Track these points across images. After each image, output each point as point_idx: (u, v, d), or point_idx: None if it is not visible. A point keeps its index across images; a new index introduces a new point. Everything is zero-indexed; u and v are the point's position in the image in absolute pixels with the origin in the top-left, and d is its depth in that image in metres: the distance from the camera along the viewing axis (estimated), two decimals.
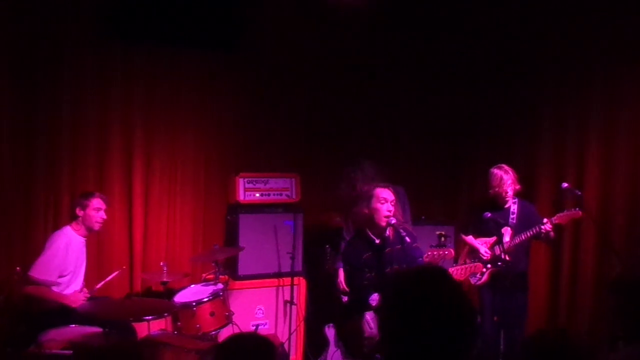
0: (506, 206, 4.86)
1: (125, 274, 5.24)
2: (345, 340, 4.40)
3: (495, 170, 4.85)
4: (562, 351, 2.16)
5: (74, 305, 4.26)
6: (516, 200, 4.87)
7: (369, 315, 4.15)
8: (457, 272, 4.37)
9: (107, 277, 4.72)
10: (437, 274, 1.77)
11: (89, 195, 4.60)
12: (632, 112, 4.91)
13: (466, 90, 6.22)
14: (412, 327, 1.66)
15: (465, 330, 1.68)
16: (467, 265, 4.43)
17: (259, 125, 5.87)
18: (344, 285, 4.79)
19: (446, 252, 4.40)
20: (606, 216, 5.01)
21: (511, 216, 4.83)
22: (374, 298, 4.10)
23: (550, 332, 2.35)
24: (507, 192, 4.81)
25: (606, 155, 5.07)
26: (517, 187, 4.84)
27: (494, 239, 4.80)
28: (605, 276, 4.99)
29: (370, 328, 4.10)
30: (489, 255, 4.77)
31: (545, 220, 4.60)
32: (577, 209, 4.60)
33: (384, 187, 4.32)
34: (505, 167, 4.85)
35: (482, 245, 4.87)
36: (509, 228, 4.75)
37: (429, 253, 4.38)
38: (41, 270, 4.37)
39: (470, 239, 4.98)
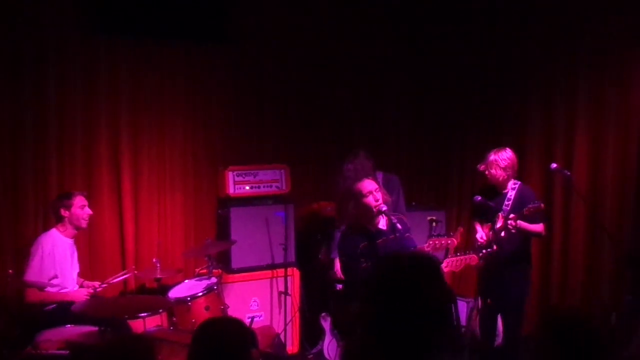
0: (504, 191, 4.72)
1: (119, 271, 5.18)
2: (339, 330, 4.41)
3: (492, 153, 4.70)
4: (582, 331, 2.18)
5: (78, 301, 4.25)
6: (516, 185, 4.72)
7: None
8: (452, 263, 4.29)
9: (116, 275, 4.74)
10: (419, 260, 1.85)
11: (69, 195, 4.55)
12: (620, 92, 4.95)
13: (454, 75, 6.24)
14: (389, 310, 1.73)
15: (438, 314, 1.75)
16: (461, 257, 4.41)
17: (247, 117, 5.85)
18: (340, 274, 4.79)
19: (449, 241, 4.40)
20: (595, 195, 5.05)
21: (506, 202, 4.67)
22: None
23: (567, 310, 2.37)
24: (495, 176, 4.68)
25: (595, 135, 5.11)
26: (513, 171, 4.67)
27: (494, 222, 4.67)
28: (596, 255, 5.04)
29: None
30: (483, 240, 4.73)
31: (512, 215, 4.48)
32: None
33: (362, 179, 4.30)
34: (505, 150, 4.68)
35: (481, 230, 4.82)
36: (501, 215, 4.62)
37: (430, 242, 4.36)
38: (35, 272, 4.35)
39: (477, 224, 4.90)
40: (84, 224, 4.59)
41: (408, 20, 6.24)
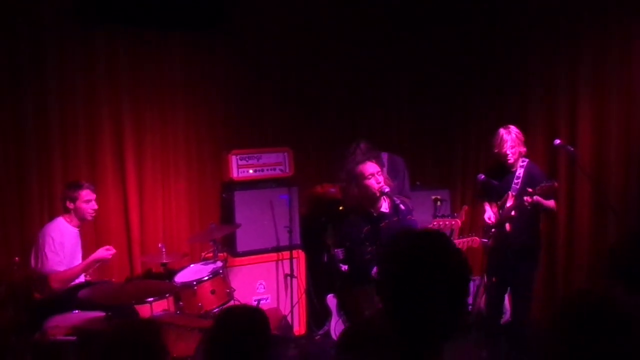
0: (513, 169, 4.65)
1: (125, 257, 5.26)
2: (345, 311, 4.43)
3: (500, 130, 4.62)
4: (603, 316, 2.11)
5: (109, 257, 4.49)
6: (524, 163, 4.64)
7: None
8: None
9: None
10: (433, 236, 1.78)
11: (76, 187, 4.55)
12: (623, 66, 4.88)
13: (456, 54, 6.19)
14: (409, 287, 1.67)
15: (460, 289, 1.70)
16: (464, 239, 4.41)
17: (248, 101, 5.83)
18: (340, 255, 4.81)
19: (453, 222, 4.38)
20: (600, 171, 5.02)
21: (515, 180, 4.60)
22: (376, 271, 4.09)
23: (589, 295, 2.29)
24: (506, 154, 4.58)
25: (598, 110, 5.06)
26: (522, 149, 4.61)
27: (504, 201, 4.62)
28: (601, 231, 5.02)
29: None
30: (491, 221, 4.71)
31: (529, 190, 4.40)
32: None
33: (364, 161, 4.28)
34: (512, 127, 4.61)
35: (490, 210, 4.77)
36: (510, 193, 4.56)
37: (435, 223, 4.35)
38: (54, 261, 4.38)
39: (486, 204, 4.84)
40: (88, 217, 4.61)
41: (408, 4, 6.17)
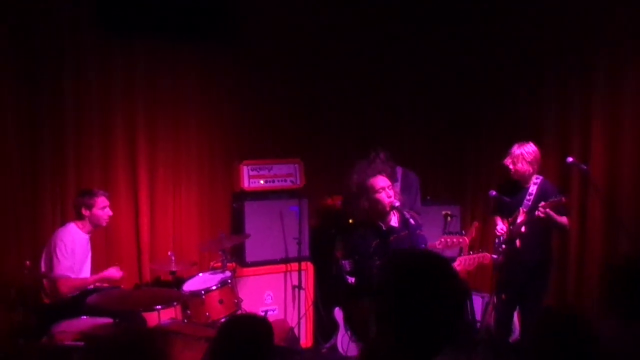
0: (526, 186, 4.66)
1: (134, 264, 5.28)
2: (352, 324, 4.40)
3: (515, 144, 4.65)
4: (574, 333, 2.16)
5: (118, 277, 4.55)
6: (538, 180, 4.66)
7: None
8: (465, 261, 4.25)
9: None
10: (432, 258, 1.83)
11: (92, 194, 4.59)
12: (636, 84, 4.85)
13: (469, 68, 6.19)
14: (404, 306, 1.72)
15: (451, 311, 1.74)
16: (474, 255, 4.37)
17: (261, 112, 5.86)
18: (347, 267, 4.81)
19: (460, 240, 4.37)
20: (613, 189, 4.97)
21: (527, 197, 4.61)
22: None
23: (561, 311, 2.35)
24: (508, 167, 4.63)
25: (611, 128, 5.01)
26: (527, 168, 4.60)
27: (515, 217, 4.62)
28: (613, 250, 4.97)
29: None
30: (503, 232, 4.66)
31: (541, 203, 4.41)
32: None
33: (375, 175, 4.29)
34: (526, 145, 4.62)
35: (501, 222, 4.76)
36: (522, 209, 4.56)
37: (442, 239, 4.33)
38: (66, 266, 4.41)
39: (498, 218, 4.84)
40: (103, 223, 4.65)
41: (422, 13, 6.20)
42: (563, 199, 4.39)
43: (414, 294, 1.71)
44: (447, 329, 1.72)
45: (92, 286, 4.62)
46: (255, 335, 2.51)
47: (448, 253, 4.54)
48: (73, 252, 4.47)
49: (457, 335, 1.74)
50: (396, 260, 1.87)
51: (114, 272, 4.60)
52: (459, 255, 4.40)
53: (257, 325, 2.59)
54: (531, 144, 4.65)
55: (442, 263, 1.81)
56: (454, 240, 4.35)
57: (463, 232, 4.59)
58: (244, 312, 4.85)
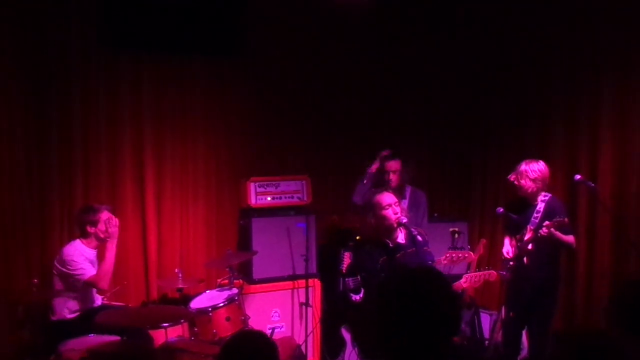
0: (534, 203, 4.65)
1: (141, 281, 5.28)
2: (358, 342, 4.38)
3: (523, 163, 4.64)
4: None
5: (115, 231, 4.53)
6: (546, 198, 4.64)
7: None
8: (471, 278, 4.26)
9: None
10: (428, 273, 1.91)
11: (94, 211, 4.56)
12: None
13: (476, 85, 6.20)
14: (399, 321, 1.78)
15: (444, 324, 1.80)
16: (480, 273, 4.37)
17: (268, 129, 5.89)
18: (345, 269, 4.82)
19: (466, 255, 4.35)
20: (621, 207, 4.95)
21: (535, 214, 4.59)
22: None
23: (588, 331, 2.32)
24: (524, 187, 4.61)
25: (620, 146, 5.01)
26: (530, 185, 4.59)
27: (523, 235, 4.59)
28: (622, 268, 4.94)
29: None
30: (509, 256, 4.67)
31: (545, 222, 4.40)
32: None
33: (382, 192, 4.31)
34: (533, 163, 4.62)
35: (508, 244, 4.75)
36: (529, 227, 4.54)
37: (447, 255, 4.32)
38: (88, 268, 4.44)
39: (507, 238, 4.82)
40: (113, 233, 4.59)
41: (430, 31, 6.23)
42: (566, 219, 4.38)
43: (404, 308, 1.77)
44: (438, 338, 1.78)
45: (101, 300, 4.64)
46: (258, 351, 2.53)
47: (455, 270, 4.55)
48: (82, 267, 4.46)
49: (451, 344, 1.80)
50: (386, 281, 1.96)
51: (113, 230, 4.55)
52: (466, 272, 4.41)
53: (260, 341, 2.62)
54: (541, 162, 4.64)
55: (430, 275, 1.88)
56: (460, 255, 4.35)
57: (469, 246, 4.58)
58: (249, 329, 4.85)
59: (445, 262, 4.36)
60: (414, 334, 1.76)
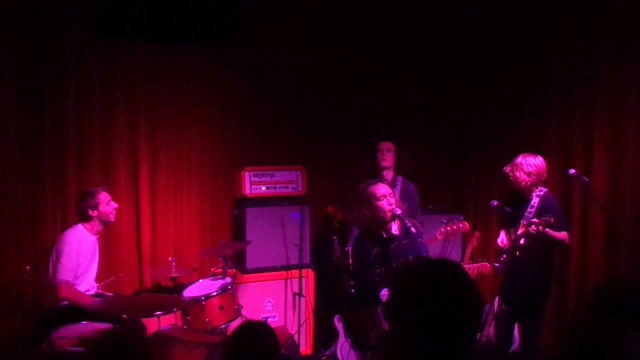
0: (529, 197, 4.63)
1: (135, 270, 5.27)
2: (352, 332, 4.39)
3: (520, 156, 4.63)
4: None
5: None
6: (541, 193, 4.62)
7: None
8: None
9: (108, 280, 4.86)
10: (445, 265, 1.79)
11: (94, 193, 4.57)
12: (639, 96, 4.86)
13: (472, 79, 6.19)
14: (419, 317, 1.68)
15: (470, 321, 1.70)
16: (474, 265, 4.39)
17: (263, 118, 5.87)
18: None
19: (460, 225, 4.36)
20: (614, 202, 4.96)
21: (529, 209, 4.58)
22: (384, 294, 4.06)
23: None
24: (518, 179, 4.60)
25: (614, 141, 5.01)
26: (524, 178, 4.57)
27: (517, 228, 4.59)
28: (614, 263, 4.96)
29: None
30: (503, 245, 4.68)
31: (534, 220, 4.39)
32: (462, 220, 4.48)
33: (376, 182, 4.30)
34: (534, 157, 4.61)
35: (504, 235, 4.76)
36: (522, 222, 4.52)
37: (442, 230, 4.34)
38: (68, 270, 4.38)
39: (503, 231, 4.83)
40: (112, 218, 4.65)
41: (425, 23, 6.21)
42: (552, 219, 4.33)
43: (428, 303, 1.67)
44: (464, 338, 1.69)
45: (96, 287, 4.63)
46: (268, 343, 2.57)
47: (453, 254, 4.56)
48: (78, 256, 4.45)
49: (474, 343, 1.70)
50: (408, 271, 1.83)
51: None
52: (460, 263, 4.42)
53: (269, 333, 2.64)
54: (539, 157, 4.62)
55: (457, 270, 1.77)
56: (454, 227, 4.37)
57: (462, 217, 4.57)
58: (244, 318, 4.85)
59: (441, 237, 4.38)
60: (433, 332, 1.67)
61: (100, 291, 4.70)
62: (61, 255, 4.40)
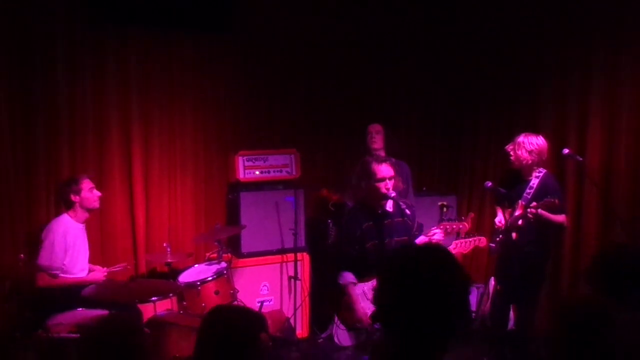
0: (528, 178, 4.63)
1: (130, 255, 5.27)
2: (339, 314, 4.38)
3: (522, 135, 4.62)
4: None
5: (100, 281, 4.44)
6: (540, 174, 4.62)
7: (366, 287, 4.17)
8: (461, 244, 4.31)
9: (115, 266, 4.86)
10: (436, 251, 1.81)
11: (76, 180, 4.59)
12: (634, 77, 4.84)
13: (467, 60, 6.16)
14: (409, 300, 1.69)
15: (455, 304, 1.71)
16: (470, 239, 4.39)
17: (256, 102, 5.83)
18: None
19: (460, 226, 4.37)
20: (608, 181, 4.98)
21: (527, 190, 4.58)
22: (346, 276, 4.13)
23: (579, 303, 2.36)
24: (519, 158, 4.59)
25: (608, 120, 5.01)
26: (526, 157, 4.56)
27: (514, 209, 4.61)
28: (608, 241, 4.98)
29: (367, 299, 4.11)
30: (501, 224, 4.67)
31: (533, 204, 4.40)
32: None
33: (381, 162, 4.27)
34: (536, 137, 4.60)
35: (501, 214, 4.74)
36: (521, 202, 4.54)
37: (442, 226, 4.34)
38: (46, 257, 4.41)
39: (499, 209, 4.82)
40: (95, 204, 4.65)
41: (422, 9, 6.17)
42: (556, 201, 4.35)
43: (416, 287, 1.69)
44: (451, 321, 1.70)
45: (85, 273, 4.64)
46: (236, 325, 2.49)
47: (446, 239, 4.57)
48: (63, 243, 4.46)
49: (462, 327, 1.72)
50: (396, 257, 1.84)
51: (97, 275, 4.62)
52: (456, 238, 4.42)
53: (234, 314, 2.59)
54: (541, 137, 4.62)
55: (443, 254, 1.78)
56: (454, 226, 4.36)
57: (462, 217, 4.59)
58: (240, 302, 4.87)
59: (441, 232, 4.37)
60: (418, 316, 1.68)
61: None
62: (43, 242, 4.44)
